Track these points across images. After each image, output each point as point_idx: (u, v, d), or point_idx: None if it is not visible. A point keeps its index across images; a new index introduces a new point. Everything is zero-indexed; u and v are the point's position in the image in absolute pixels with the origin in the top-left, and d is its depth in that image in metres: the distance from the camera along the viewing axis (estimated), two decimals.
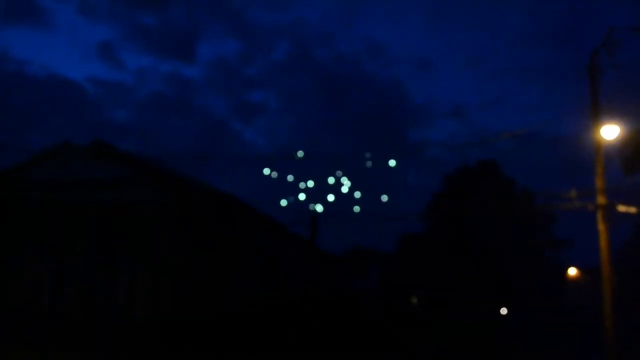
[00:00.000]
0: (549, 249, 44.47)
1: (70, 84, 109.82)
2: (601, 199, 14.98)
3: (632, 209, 14.78)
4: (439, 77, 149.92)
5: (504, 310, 42.98)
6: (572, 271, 38.35)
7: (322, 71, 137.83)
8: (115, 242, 19.74)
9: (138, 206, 19.70)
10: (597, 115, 15.49)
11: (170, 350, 18.07)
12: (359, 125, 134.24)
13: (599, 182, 15.18)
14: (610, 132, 14.75)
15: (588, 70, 15.94)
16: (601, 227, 14.95)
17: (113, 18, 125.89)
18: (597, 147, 15.28)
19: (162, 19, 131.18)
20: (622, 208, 14.68)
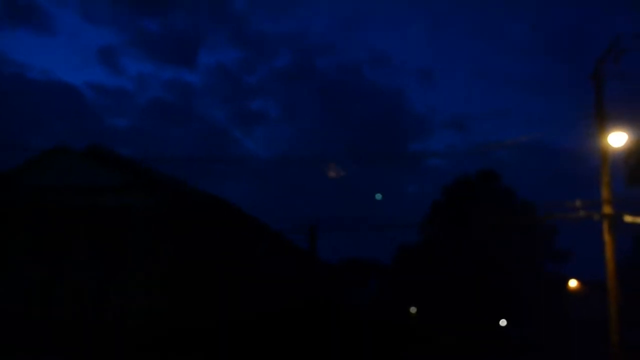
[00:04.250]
0: (549, 261, 44.13)
1: (70, 89, 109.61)
2: (607, 209, 14.62)
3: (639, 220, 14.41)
4: (441, 88, 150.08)
5: (503, 322, 42.54)
6: (573, 283, 37.93)
7: (324, 80, 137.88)
8: (108, 248, 19.34)
9: (133, 212, 19.32)
10: (603, 123, 15.19)
11: (161, 358, 17.70)
12: (360, 134, 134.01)
13: (605, 192, 14.81)
14: (617, 139, 14.42)
15: (593, 77, 15.68)
16: (607, 238, 14.57)
17: (114, 23, 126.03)
18: (604, 156, 14.94)
19: (163, 25, 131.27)
20: (628, 218, 14.31)
